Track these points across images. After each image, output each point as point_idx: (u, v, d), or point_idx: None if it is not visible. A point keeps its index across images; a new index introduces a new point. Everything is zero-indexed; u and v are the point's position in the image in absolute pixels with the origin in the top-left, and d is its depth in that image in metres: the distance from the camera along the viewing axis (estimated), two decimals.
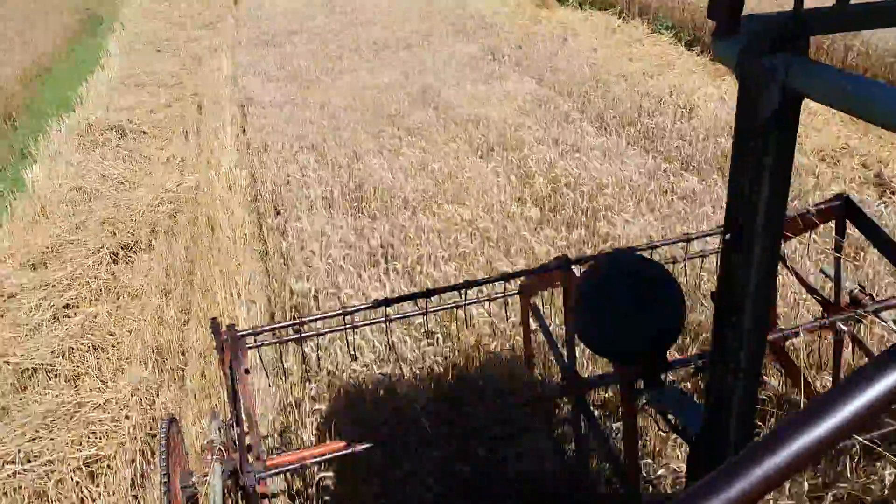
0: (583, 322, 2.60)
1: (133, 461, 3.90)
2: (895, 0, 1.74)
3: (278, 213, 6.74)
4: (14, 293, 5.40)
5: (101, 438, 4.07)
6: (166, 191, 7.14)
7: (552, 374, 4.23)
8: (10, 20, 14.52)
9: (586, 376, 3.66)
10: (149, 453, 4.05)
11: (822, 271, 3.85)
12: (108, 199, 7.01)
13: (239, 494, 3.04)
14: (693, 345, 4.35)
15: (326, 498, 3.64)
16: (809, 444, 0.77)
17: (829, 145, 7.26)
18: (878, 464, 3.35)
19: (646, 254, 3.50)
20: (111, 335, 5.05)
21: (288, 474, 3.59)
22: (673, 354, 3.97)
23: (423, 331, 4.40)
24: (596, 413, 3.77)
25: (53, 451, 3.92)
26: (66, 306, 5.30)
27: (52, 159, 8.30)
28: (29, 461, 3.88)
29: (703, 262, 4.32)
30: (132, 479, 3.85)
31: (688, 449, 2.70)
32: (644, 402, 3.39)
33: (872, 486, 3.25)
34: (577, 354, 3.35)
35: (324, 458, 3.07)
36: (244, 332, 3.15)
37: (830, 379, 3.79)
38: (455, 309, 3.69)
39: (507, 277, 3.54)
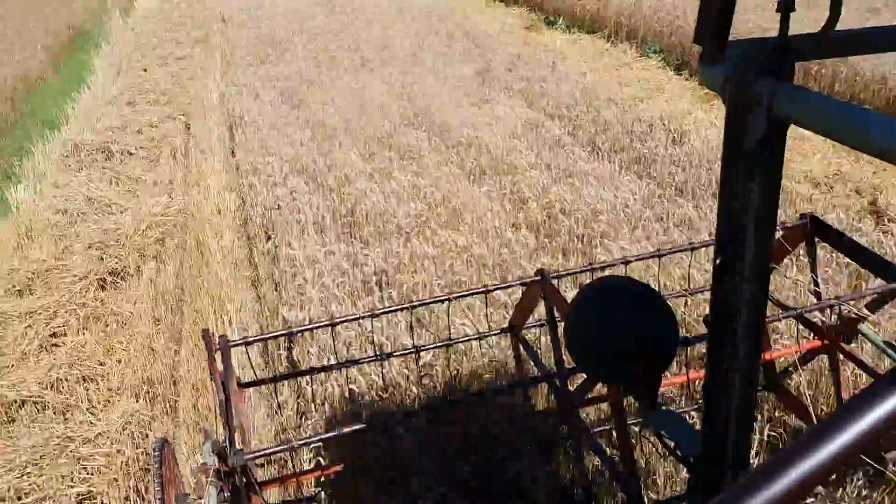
0: (575, 344, 2.58)
1: (127, 498, 3.79)
2: (879, 27, 1.80)
3: (269, 237, 6.66)
4: None
5: (92, 474, 3.96)
6: (154, 214, 7.03)
7: (550, 402, 4.18)
8: None
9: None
10: (143, 489, 3.94)
11: (887, 344, 3.72)
12: (94, 223, 6.89)
13: None
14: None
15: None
16: (812, 469, 0.77)
17: (822, 171, 7.31)
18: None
19: (620, 268, 3.64)
20: (100, 364, 4.93)
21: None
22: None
23: (418, 363, 4.36)
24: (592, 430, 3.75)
25: (43, 488, 3.80)
26: (53, 335, 5.17)
27: (37, 181, 8.17)
28: (19, 498, 3.77)
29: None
30: None
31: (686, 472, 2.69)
32: (640, 425, 3.39)
33: None
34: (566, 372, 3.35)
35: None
36: (235, 343, 3.23)
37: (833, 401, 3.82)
38: (446, 347, 3.72)
39: (487, 291, 3.62)
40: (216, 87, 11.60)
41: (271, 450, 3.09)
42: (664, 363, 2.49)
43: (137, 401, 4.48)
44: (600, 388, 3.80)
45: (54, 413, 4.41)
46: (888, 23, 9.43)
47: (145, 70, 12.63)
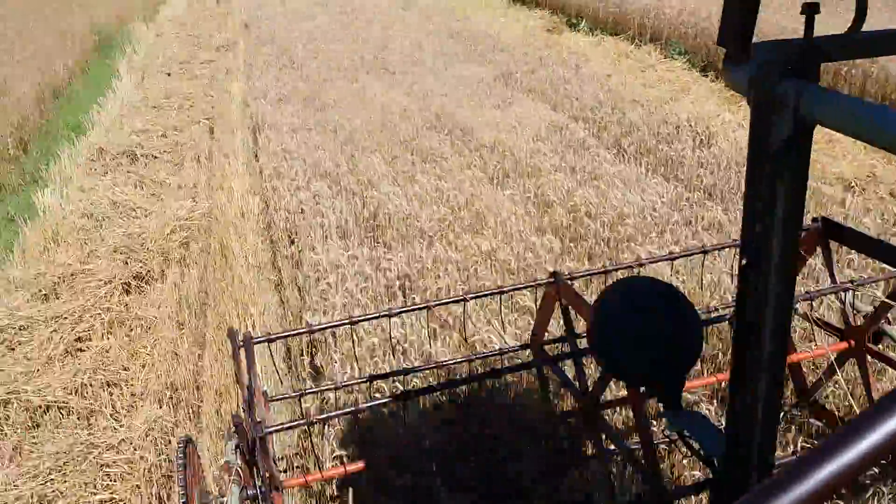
0: (599, 345, 2.58)
1: None
2: None
3: (292, 241, 6.64)
4: (25, 325, 5.29)
5: (115, 481, 3.94)
6: (178, 218, 7.04)
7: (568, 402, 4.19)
8: (23, 41, 14.55)
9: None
10: (165, 496, 3.92)
11: (884, 333, 3.70)
12: (119, 227, 6.91)
13: None
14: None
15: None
16: (839, 470, 0.75)
17: (854, 174, 7.16)
18: None
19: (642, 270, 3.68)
20: (124, 369, 4.93)
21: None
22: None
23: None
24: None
25: (67, 494, 3.79)
26: (78, 339, 5.18)
27: (63, 185, 8.23)
28: None
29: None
30: None
31: (710, 473, 2.64)
32: (664, 426, 3.36)
33: None
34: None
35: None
36: (259, 339, 3.31)
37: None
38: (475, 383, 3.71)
39: (502, 291, 3.72)
40: (239, 92, 11.65)
41: (288, 424, 3.21)
42: (689, 363, 2.48)
43: (161, 406, 4.46)
44: (615, 387, 3.77)
45: (78, 418, 4.40)
46: None
47: (169, 75, 12.72)
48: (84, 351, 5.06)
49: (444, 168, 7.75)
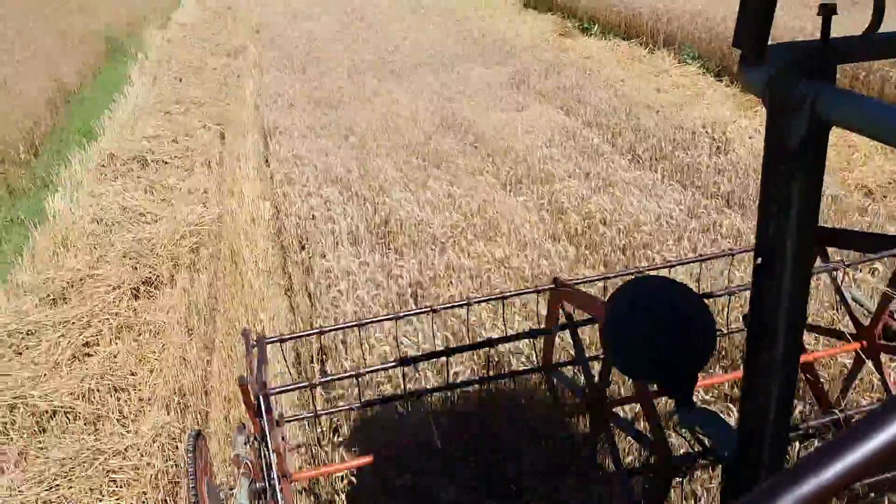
0: (613, 342, 2.59)
1: None
2: None
3: (303, 247, 6.57)
4: (33, 330, 5.23)
5: (121, 487, 3.87)
6: (188, 224, 6.98)
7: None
8: (35, 46, 14.59)
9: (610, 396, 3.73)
10: (171, 503, 3.84)
11: (853, 299, 3.80)
12: (129, 232, 6.86)
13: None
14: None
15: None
16: (843, 471, 0.74)
17: (874, 180, 7.03)
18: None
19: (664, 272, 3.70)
20: (132, 374, 4.86)
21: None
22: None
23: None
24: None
25: (72, 500, 3.72)
26: (86, 344, 5.12)
27: (73, 189, 8.20)
28: None
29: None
30: None
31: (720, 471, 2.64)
32: (676, 422, 3.35)
33: None
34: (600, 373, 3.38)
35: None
36: (272, 339, 3.40)
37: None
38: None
39: (504, 297, 3.69)
40: (250, 97, 11.63)
41: (291, 386, 3.39)
42: (702, 361, 2.51)
43: (168, 413, 4.38)
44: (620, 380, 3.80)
45: (85, 424, 4.34)
46: None
47: (180, 80, 12.71)
48: (92, 356, 4.99)
49: (455, 173, 7.68)
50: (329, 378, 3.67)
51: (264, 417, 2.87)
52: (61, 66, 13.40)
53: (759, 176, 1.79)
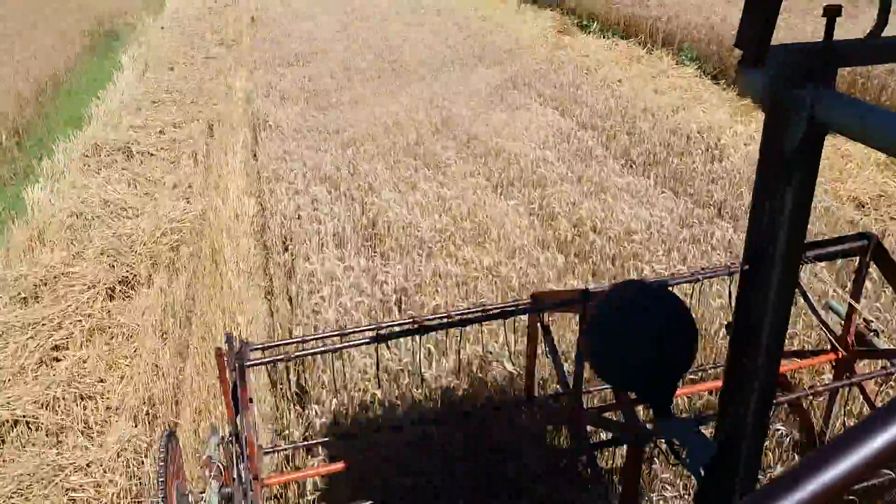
0: (593, 349, 2.54)
1: None
2: None
3: (286, 248, 6.39)
4: (0, 332, 5.06)
5: None
6: (170, 220, 6.80)
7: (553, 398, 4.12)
8: (25, 34, 14.34)
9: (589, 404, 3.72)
10: None
11: (828, 306, 3.84)
12: (109, 228, 6.68)
13: None
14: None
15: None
16: (816, 490, 0.74)
17: (866, 192, 6.88)
18: None
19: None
20: (100, 381, 4.69)
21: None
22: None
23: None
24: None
25: None
26: (55, 348, 4.95)
27: (54, 181, 8.00)
28: None
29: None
30: None
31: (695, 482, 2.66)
32: (654, 432, 3.29)
33: None
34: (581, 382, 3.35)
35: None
36: (252, 363, 3.17)
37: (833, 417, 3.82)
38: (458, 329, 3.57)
39: (485, 311, 3.52)
40: (242, 89, 11.42)
41: (269, 345, 3.30)
42: (681, 371, 2.45)
43: (136, 424, 4.22)
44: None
45: (47, 435, 4.17)
46: None
47: (172, 69, 12.49)
48: (60, 360, 4.82)
49: (447, 175, 7.50)
50: (304, 353, 3.47)
51: (239, 391, 2.82)
52: (52, 53, 13.17)
53: (753, 185, 1.72)
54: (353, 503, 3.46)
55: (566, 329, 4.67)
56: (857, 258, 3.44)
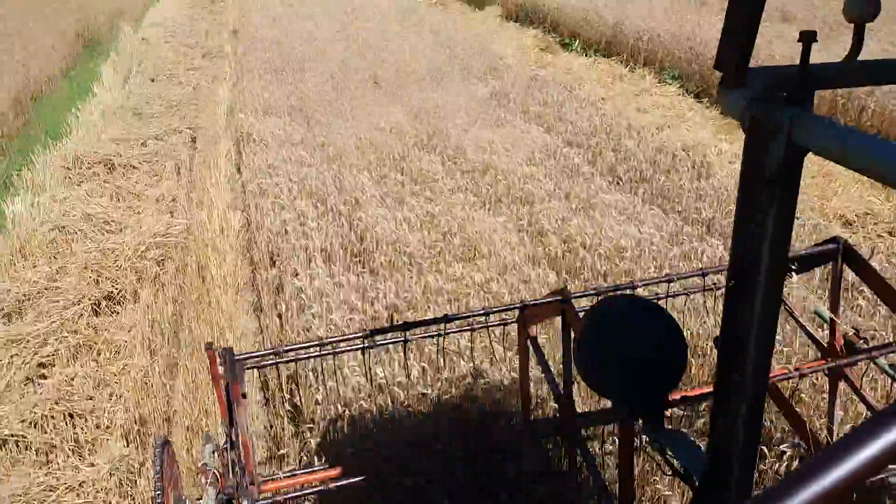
0: (584, 360, 2.57)
1: None
2: None
3: (274, 263, 6.34)
4: None
5: None
6: (154, 234, 6.71)
7: (547, 409, 4.20)
8: (4, 42, 14.14)
9: (583, 410, 3.79)
10: None
11: (815, 312, 3.88)
12: (92, 242, 6.57)
13: None
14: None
15: None
16: (845, 473, 0.74)
17: (852, 209, 6.99)
18: None
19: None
20: (89, 399, 4.60)
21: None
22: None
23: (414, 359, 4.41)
24: (593, 448, 3.83)
25: None
26: (41, 365, 4.85)
27: (35, 194, 7.86)
28: None
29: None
30: None
31: (689, 493, 2.72)
32: (646, 443, 3.33)
33: None
34: (573, 391, 3.39)
35: (317, 486, 3.10)
36: (243, 356, 3.21)
37: (826, 420, 3.87)
38: (440, 337, 3.66)
39: (500, 310, 3.59)
40: (225, 101, 11.35)
41: (260, 353, 3.25)
42: (672, 381, 2.48)
43: (127, 444, 4.14)
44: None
45: (37, 454, 4.07)
46: None
47: (153, 80, 12.39)
48: (47, 378, 4.72)
49: (435, 190, 7.50)
50: (294, 346, 3.41)
51: (231, 392, 2.81)
52: (31, 64, 13.00)
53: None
54: None
55: (557, 339, 4.68)
56: (831, 264, 3.54)
